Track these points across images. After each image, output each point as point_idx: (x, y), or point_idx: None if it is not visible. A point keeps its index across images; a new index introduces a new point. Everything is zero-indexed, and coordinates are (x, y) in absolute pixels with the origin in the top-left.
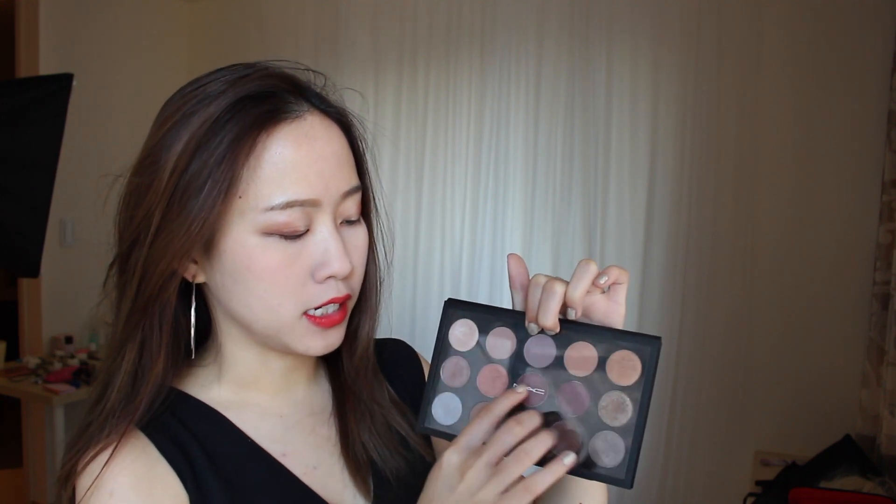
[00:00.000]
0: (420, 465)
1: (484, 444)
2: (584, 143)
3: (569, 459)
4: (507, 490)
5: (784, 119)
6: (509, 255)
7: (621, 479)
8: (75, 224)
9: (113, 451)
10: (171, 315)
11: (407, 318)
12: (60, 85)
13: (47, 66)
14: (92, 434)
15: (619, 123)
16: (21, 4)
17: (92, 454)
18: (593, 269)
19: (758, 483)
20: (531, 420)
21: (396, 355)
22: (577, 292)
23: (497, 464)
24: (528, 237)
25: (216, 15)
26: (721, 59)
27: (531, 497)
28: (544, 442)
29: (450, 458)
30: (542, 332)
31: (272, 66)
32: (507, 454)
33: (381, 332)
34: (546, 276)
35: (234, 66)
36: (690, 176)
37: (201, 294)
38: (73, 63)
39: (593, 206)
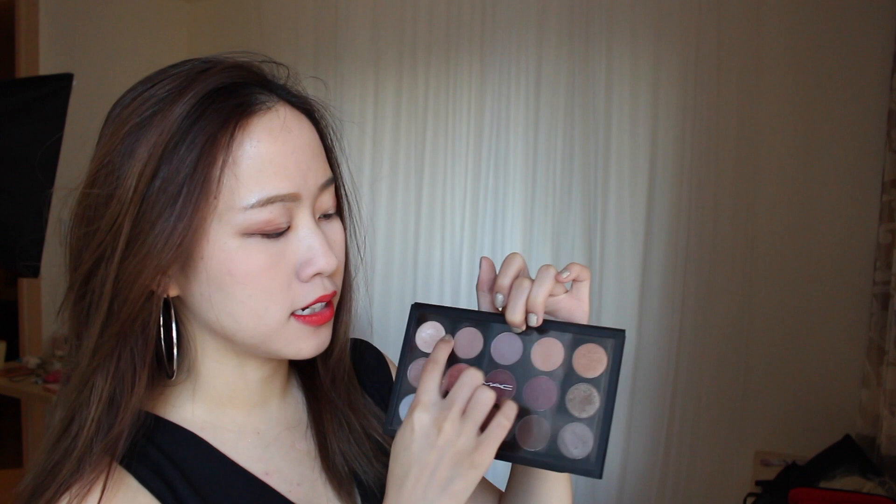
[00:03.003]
0: None
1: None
2: (584, 143)
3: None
4: (482, 431)
5: (784, 119)
6: (482, 258)
7: (591, 469)
8: None
9: (102, 495)
10: (154, 336)
11: (406, 318)
12: (61, 85)
13: (47, 66)
14: (65, 478)
15: (619, 123)
16: (21, 4)
17: (70, 499)
18: (552, 272)
19: (758, 483)
20: (476, 376)
21: (366, 357)
22: (539, 298)
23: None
24: (528, 237)
25: (216, 15)
26: (721, 59)
27: (507, 429)
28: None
29: (421, 418)
30: (507, 329)
31: (231, 58)
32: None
33: (368, 336)
34: (520, 265)
35: (186, 61)
36: (690, 176)
37: (167, 308)
38: (73, 63)
39: (593, 206)
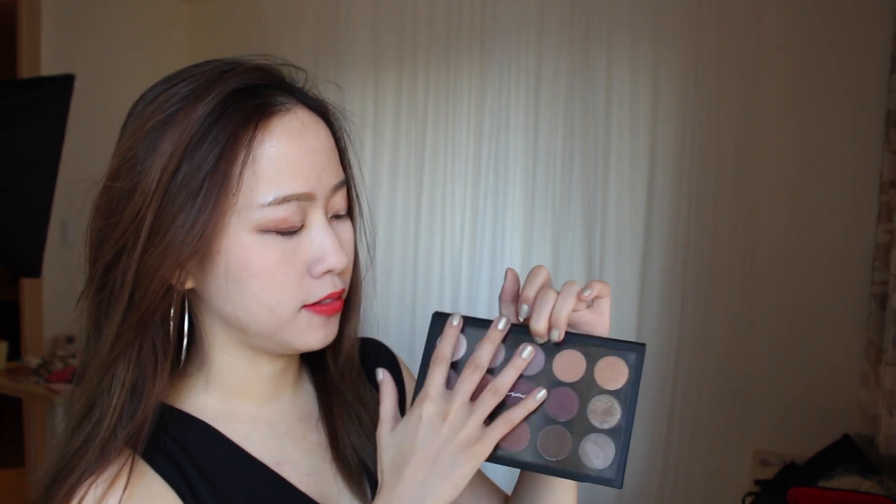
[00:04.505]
0: None
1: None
2: (584, 143)
3: (540, 395)
4: (487, 423)
5: (783, 119)
6: (508, 270)
7: (612, 479)
8: (76, 224)
9: (127, 482)
10: (175, 325)
11: (407, 319)
12: (62, 86)
13: (49, 67)
14: (88, 464)
15: (619, 123)
16: (23, 5)
17: (89, 485)
18: (576, 289)
19: (757, 482)
20: (485, 355)
21: (379, 356)
22: (563, 313)
23: (472, 401)
24: (528, 237)
25: (216, 15)
26: (721, 59)
27: (511, 426)
28: (510, 374)
29: (428, 408)
30: (530, 339)
31: (252, 60)
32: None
33: (373, 335)
34: (545, 278)
35: (208, 62)
36: (690, 176)
37: (182, 300)
38: (75, 64)
39: (593, 206)
